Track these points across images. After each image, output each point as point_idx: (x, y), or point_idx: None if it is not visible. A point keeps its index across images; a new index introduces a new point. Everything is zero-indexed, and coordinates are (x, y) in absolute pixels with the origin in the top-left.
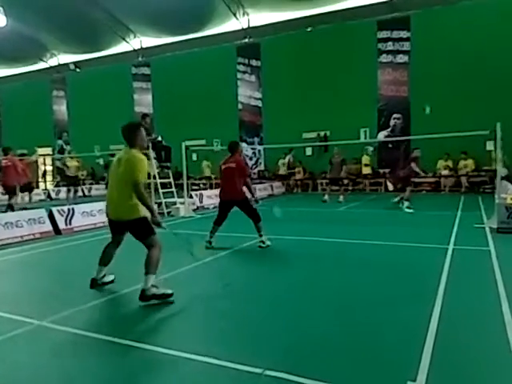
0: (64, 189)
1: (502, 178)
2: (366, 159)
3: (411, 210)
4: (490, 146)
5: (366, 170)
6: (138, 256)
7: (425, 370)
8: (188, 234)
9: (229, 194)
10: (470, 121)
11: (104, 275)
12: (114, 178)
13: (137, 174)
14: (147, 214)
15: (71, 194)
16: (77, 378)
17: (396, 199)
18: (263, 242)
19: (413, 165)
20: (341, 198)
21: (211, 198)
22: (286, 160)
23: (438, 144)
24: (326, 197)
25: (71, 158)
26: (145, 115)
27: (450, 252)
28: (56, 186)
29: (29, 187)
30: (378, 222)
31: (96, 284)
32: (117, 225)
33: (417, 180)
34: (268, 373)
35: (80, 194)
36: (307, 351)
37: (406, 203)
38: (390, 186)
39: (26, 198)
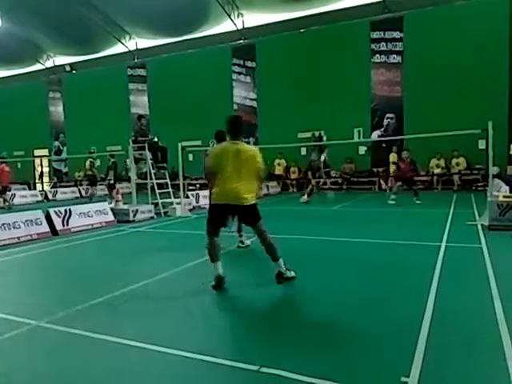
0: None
1: (494, 176)
2: (393, 157)
3: (394, 202)
4: (482, 144)
5: (394, 168)
6: (136, 256)
7: (418, 365)
8: (188, 234)
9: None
10: (462, 120)
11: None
12: (236, 167)
13: (260, 163)
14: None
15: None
16: (75, 378)
17: (414, 199)
18: (242, 242)
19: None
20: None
21: (208, 197)
22: (322, 159)
23: (430, 143)
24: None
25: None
26: (140, 116)
27: (442, 249)
28: (53, 187)
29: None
30: (371, 221)
31: (223, 282)
32: (231, 209)
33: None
34: (263, 370)
35: (77, 194)
36: (302, 348)
37: (394, 196)
38: (384, 185)
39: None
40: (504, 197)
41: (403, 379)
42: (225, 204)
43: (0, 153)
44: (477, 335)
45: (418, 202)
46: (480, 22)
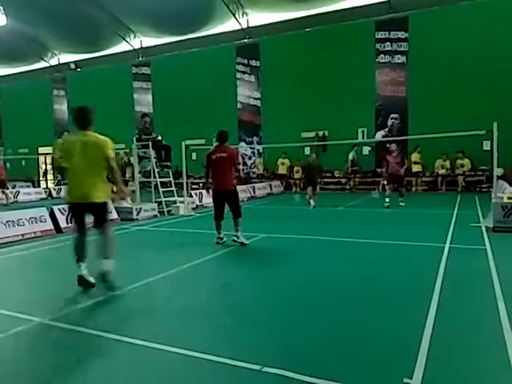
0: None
1: (498, 178)
2: (416, 157)
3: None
4: (486, 145)
5: (416, 168)
6: (139, 254)
7: (421, 367)
8: (191, 233)
9: (221, 185)
10: (467, 121)
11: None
12: (84, 160)
13: (111, 154)
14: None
15: None
16: (77, 375)
17: (399, 200)
18: (237, 237)
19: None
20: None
21: (211, 196)
22: (350, 157)
23: (435, 144)
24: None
25: None
26: (144, 115)
27: (446, 250)
28: (57, 184)
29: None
30: (375, 221)
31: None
32: (83, 207)
33: (414, 179)
34: (266, 369)
35: None
36: (305, 349)
37: (388, 199)
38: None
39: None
40: (508, 198)
41: (406, 380)
42: (76, 203)
43: (5, 150)
44: (480, 336)
45: (401, 203)
46: (485, 22)
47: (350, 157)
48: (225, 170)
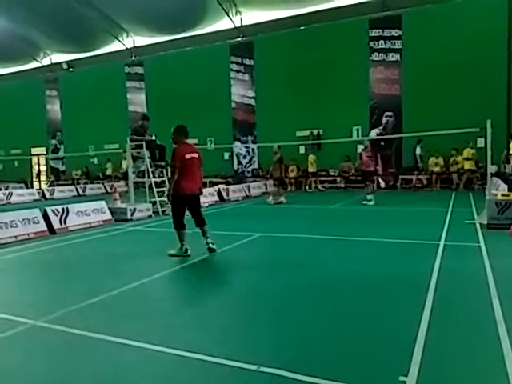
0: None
1: (493, 175)
2: (468, 152)
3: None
4: (480, 143)
5: (468, 165)
6: (133, 255)
7: (417, 364)
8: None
9: (191, 188)
10: (460, 118)
11: None
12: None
13: None
14: None
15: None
16: (71, 377)
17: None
18: (212, 244)
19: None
20: (282, 198)
21: (205, 196)
22: (418, 152)
23: (429, 141)
24: (271, 198)
25: None
26: (145, 116)
27: (441, 248)
28: (50, 185)
29: None
30: (370, 219)
31: None
32: None
33: (408, 177)
34: (262, 369)
35: (75, 193)
36: (301, 348)
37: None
38: (382, 183)
39: None
40: (502, 195)
41: (401, 378)
42: None
43: None
44: (475, 334)
45: (364, 202)
46: (478, 20)
47: (418, 151)
48: (197, 171)
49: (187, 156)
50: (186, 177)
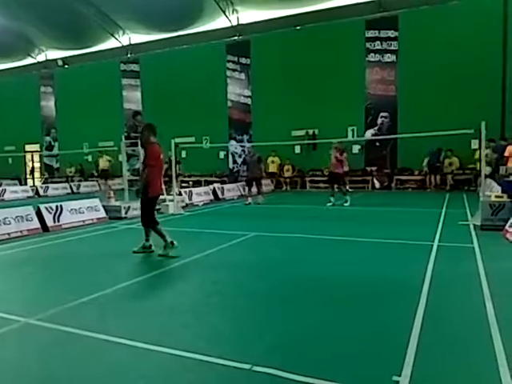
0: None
1: (486, 177)
2: (509, 150)
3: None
4: (474, 144)
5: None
6: (127, 254)
7: (410, 364)
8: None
9: (158, 190)
10: (455, 119)
11: None
12: None
13: None
14: None
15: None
16: (64, 375)
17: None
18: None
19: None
20: (260, 198)
21: (200, 195)
22: (486, 152)
23: (424, 142)
24: (250, 199)
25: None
26: (136, 113)
27: (434, 249)
28: (44, 182)
29: None
30: (364, 219)
31: None
32: None
33: (403, 178)
34: (256, 368)
35: (69, 190)
36: (294, 347)
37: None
38: (377, 184)
39: None
40: (496, 197)
41: (395, 378)
42: None
43: None
44: (468, 335)
45: (345, 204)
46: (474, 22)
47: (489, 152)
48: (161, 171)
49: (161, 156)
50: (158, 177)
